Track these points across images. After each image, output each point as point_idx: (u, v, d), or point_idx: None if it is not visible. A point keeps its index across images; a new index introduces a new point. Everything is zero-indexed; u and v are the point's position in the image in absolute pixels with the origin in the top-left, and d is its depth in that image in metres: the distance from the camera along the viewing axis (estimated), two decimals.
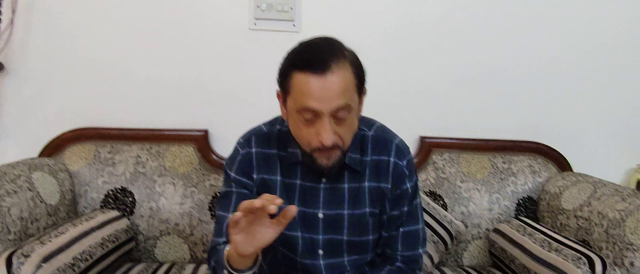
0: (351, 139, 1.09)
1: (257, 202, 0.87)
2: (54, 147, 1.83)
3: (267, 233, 0.95)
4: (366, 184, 1.19)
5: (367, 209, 1.19)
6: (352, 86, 1.02)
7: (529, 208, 1.88)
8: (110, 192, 1.75)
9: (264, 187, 1.18)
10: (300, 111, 1.01)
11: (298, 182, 1.18)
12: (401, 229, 1.22)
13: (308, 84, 0.98)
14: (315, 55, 1.00)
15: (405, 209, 1.22)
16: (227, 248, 1.01)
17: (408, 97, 1.98)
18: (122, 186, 1.76)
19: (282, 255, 1.23)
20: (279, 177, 1.18)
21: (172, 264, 1.72)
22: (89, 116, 1.90)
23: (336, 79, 0.98)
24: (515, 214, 1.86)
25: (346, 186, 1.18)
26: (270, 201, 0.87)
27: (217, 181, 1.80)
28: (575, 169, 2.00)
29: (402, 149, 1.21)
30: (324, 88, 0.98)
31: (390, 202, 1.21)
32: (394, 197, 1.20)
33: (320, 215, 1.18)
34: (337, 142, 1.04)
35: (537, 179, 1.91)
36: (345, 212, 1.19)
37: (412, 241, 1.24)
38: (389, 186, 1.19)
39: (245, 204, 0.88)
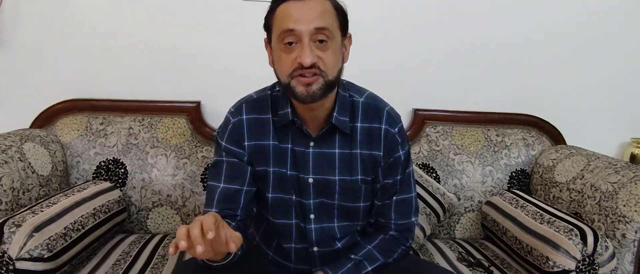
0: (335, 70, 1.07)
1: (182, 244, 0.80)
2: (46, 119, 1.82)
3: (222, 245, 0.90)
4: (358, 151, 1.18)
5: (359, 176, 1.19)
6: (332, 15, 1.05)
7: (522, 180, 1.88)
8: (103, 163, 1.74)
9: (256, 153, 1.18)
10: (281, 38, 1.03)
11: (289, 146, 1.18)
12: (394, 198, 1.22)
13: (288, 8, 1.02)
14: None
15: (399, 177, 1.22)
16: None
17: (402, 70, 1.96)
18: (114, 158, 1.75)
19: (275, 222, 1.23)
20: (271, 142, 1.18)
21: (164, 235, 1.72)
22: (81, 87, 1.88)
23: (315, 3, 1.02)
24: (508, 187, 1.87)
25: (337, 151, 1.18)
26: (197, 240, 0.81)
27: (209, 153, 1.79)
28: (568, 142, 2.00)
29: (393, 116, 1.20)
30: (303, 10, 1.01)
31: (384, 171, 1.21)
32: (387, 166, 1.20)
33: (311, 180, 1.18)
34: (317, 63, 1.03)
35: (530, 152, 1.91)
36: (336, 178, 1.18)
37: (406, 209, 1.24)
38: (381, 153, 1.19)
39: (180, 234, 0.82)
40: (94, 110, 1.83)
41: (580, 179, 1.62)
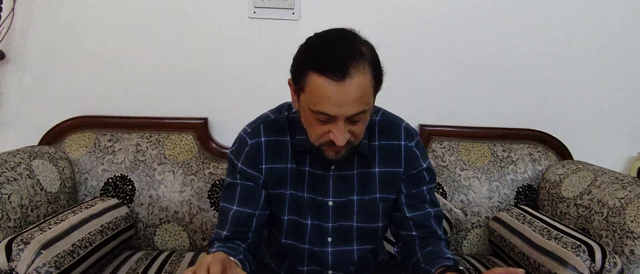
0: (364, 133, 1.08)
1: None
2: (54, 136, 1.83)
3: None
4: (376, 169, 1.18)
5: (377, 195, 1.18)
6: (370, 88, 0.98)
7: (528, 196, 1.88)
8: (110, 180, 1.75)
9: (273, 177, 1.17)
10: (314, 111, 0.99)
11: (307, 169, 1.17)
12: (432, 210, 1.21)
13: (325, 89, 0.95)
14: (335, 59, 0.95)
15: (425, 187, 1.21)
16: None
17: (408, 85, 1.97)
18: (122, 174, 1.76)
19: (287, 244, 1.22)
20: (289, 165, 1.16)
21: (171, 252, 1.72)
22: (89, 104, 1.90)
23: (355, 86, 0.95)
24: (515, 202, 1.86)
25: (355, 172, 1.17)
26: None
27: (216, 169, 1.80)
28: (575, 157, 1.99)
29: (410, 131, 1.21)
30: (341, 95, 0.95)
31: (407, 183, 1.19)
32: (408, 178, 1.19)
33: (330, 203, 1.17)
34: (350, 140, 1.03)
35: (537, 167, 1.90)
36: (355, 198, 1.18)
37: (440, 222, 1.23)
38: (402, 169, 1.18)
39: None
40: (102, 127, 1.85)
41: (588, 194, 1.62)
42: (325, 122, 1.00)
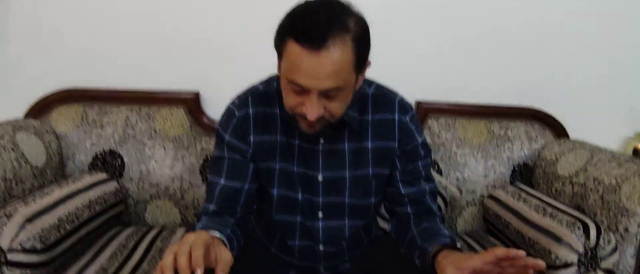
0: (343, 111, 1.03)
1: None
2: (40, 109, 1.78)
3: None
4: (369, 144, 1.15)
5: (370, 170, 1.16)
6: (349, 65, 0.94)
7: (524, 174, 1.86)
8: (99, 155, 1.71)
9: (262, 150, 1.13)
10: (289, 82, 0.96)
11: (297, 142, 1.13)
12: (427, 186, 1.19)
13: (300, 58, 0.91)
14: (312, 27, 0.90)
15: (420, 163, 1.18)
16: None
17: (404, 61, 1.93)
18: (111, 149, 1.72)
19: (278, 219, 1.19)
20: (278, 137, 1.13)
21: (162, 228, 1.70)
22: (76, 77, 1.84)
23: (330, 60, 0.90)
24: (511, 180, 1.84)
25: (346, 146, 1.14)
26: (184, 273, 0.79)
27: (208, 145, 1.76)
28: (571, 136, 1.98)
29: (405, 105, 1.17)
30: (315, 66, 0.91)
31: (401, 158, 1.16)
32: (403, 153, 1.16)
33: (320, 178, 1.14)
34: (323, 115, 0.99)
35: (533, 145, 1.88)
36: (347, 174, 1.15)
37: (435, 198, 1.21)
38: (396, 144, 1.15)
39: (166, 263, 0.79)
40: (90, 100, 1.80)
41: (584, 172, 1.60)
42: (300, 93, 0.97)
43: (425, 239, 1.09)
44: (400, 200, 1.19)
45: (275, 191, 1.16)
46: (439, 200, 1.70)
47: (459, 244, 1.04)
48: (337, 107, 1.00)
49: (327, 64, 0.91)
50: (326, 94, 0.95)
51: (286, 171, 1.14)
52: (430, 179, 1.21)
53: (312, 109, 0.96)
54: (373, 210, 1.23)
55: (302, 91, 0.96)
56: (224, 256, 0.86)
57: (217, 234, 0.96)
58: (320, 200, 1.16)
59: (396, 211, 1.21)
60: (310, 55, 0.90)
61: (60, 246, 1.27)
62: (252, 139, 1.13)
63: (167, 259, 0.79)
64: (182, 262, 0.78)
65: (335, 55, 0.91)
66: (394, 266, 1.17)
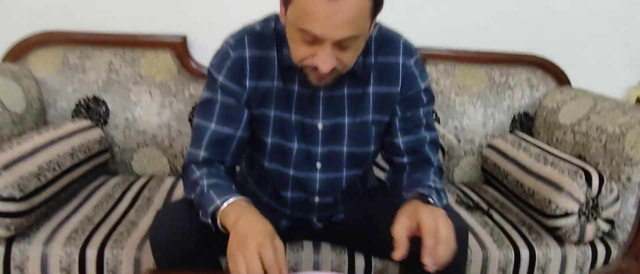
0: (355, 62, 0.97)
1: None
2: (18, 52, 1.68)
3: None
4: (371, 89, 1.07)
5: (370, 117, 1.09)
6: (367, 11, 0.87)
7: (524, 123, 1.81)
8: (82, 101, 1.64)
9: (256, 96, 1.05)
10: (300, 30, 0.87)
11: (295, 88, 1.05)
12: (428, 135, 1.13)
13: (315, 5, 0.83)
14: None
15: (422, 110, 1.11)
16: (224, 205, 0.93)
17: (402, 6, 1.84)
18: (94, 95, 1.64)
19: (270, 169, 1.13)
20: (275, 83, 1.05)
21: (150, 177, 1.64)
22: (56, 18, 1.73)
23: (349, 6, 0.83)
24: (510, 129, 1.79)
25: (346, 91, 1.06)
26: None
27: (197, 91, 1.69)
28: (574, 84, 1.92)
29: (409, 47, 1.09)
30: (332, 15, 0.83)
31: (402, 105, 1.10)
32: (404, 99, 1.09)
33: (320, 126, 1.08)
34: (336, 67, 0.92)
35: (534, 93, 1.82)
36: (345, 121, 1.08)
37: (436, 148, 1.15)
38: (398, 89, 1.08)
39: None
40: (70, 43, 1.70)
41: (586, 121, 1.55)
42: (311, 43, 0.89)
43: (408, 189, 1.04)
44: (397, 149, 1.13)
45: (268, 140, 1.09)
46: None
47: (431, 200, 0.98)
48: (350, 58, 0.94)
49: (345, 11, 0.83)
50: (340, 44, 0.88)
51: (282, 119, 1.07)
52: (431, 127, 1.14)
53: (326, 61, 0.89)
54: (371, 159, 1.18)
55: (314, 41, 0.88)
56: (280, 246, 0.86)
57: (241, 199, 0.94)
58: (319, 150, 1.10)
59: (393, 160, 1.16)
60: (327, 2, 0.82)
61: (40, 194, 1.22)
62: (247, 83, 1.05)
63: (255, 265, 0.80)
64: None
65: (355, 1, 0.83)
66: (387, 216, 1.12)
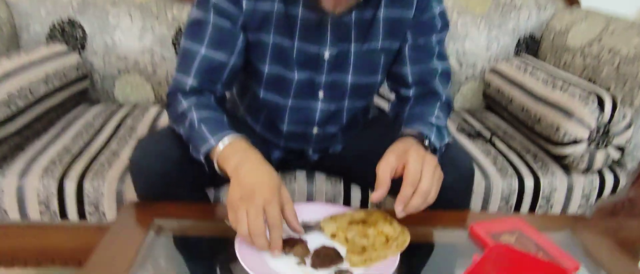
0: None
1: None
2: None
3: None
4: (381, 13, 0.96)
5: (379, 44, 0.99)
6: None
7: (530, 47, 1.71)
8: (56, 24, 1.52)
9: (254, 19, 0.94)
10: None
11: (300, 11, 0.94)
12: (439, 65, 1.03)
13: None
14: None
15: (434, 38, 1.02)
16: (221, 146, 0.84)
17: None
18: (69, 18, 1.52)
19: (266, 98, 1.03)
20: (276, 5, 0.93)
21: (134, 105, 1.55)
22: None
23: None
24: (515, 52, 1.70)
25: (353, 16, 0.95)
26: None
27: (181, 13, 1.56)
28: (583, 4, 1.79)
29: None
30: None
31: (413, 30, 1.00)
32: (416, 24, 0.99)
33: (326, 55, 0.97)
34: None
35: (542, 14, 1.70)
36: (352, 48, 0.98)
37: (447, 80, 1.06)
38: (412, 12, 0.98)
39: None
40: None
41: (598, 42, 1.45)
42: None
43: (408, 123, 0.97)
44: (405, 80, 1.04)
45: (265, 68, 0.98)
46: None
47: (428, 141, 0.91)
48: None
49: None
50: None
51: (281, 46, 0.96)
52: (443, 57, 1.05)
53: None
54: (376, 90, 1.10)
55: None
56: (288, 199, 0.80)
57: (238, 138, 0.86)
58: (323, 79, 1.00)
59: (399, 92, 1.08)
60: None
61: (12, 123, 1.13)
62: (244, 4, 0.92)
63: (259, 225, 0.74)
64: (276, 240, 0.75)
65: None
66: (386, 147, 1.04)
